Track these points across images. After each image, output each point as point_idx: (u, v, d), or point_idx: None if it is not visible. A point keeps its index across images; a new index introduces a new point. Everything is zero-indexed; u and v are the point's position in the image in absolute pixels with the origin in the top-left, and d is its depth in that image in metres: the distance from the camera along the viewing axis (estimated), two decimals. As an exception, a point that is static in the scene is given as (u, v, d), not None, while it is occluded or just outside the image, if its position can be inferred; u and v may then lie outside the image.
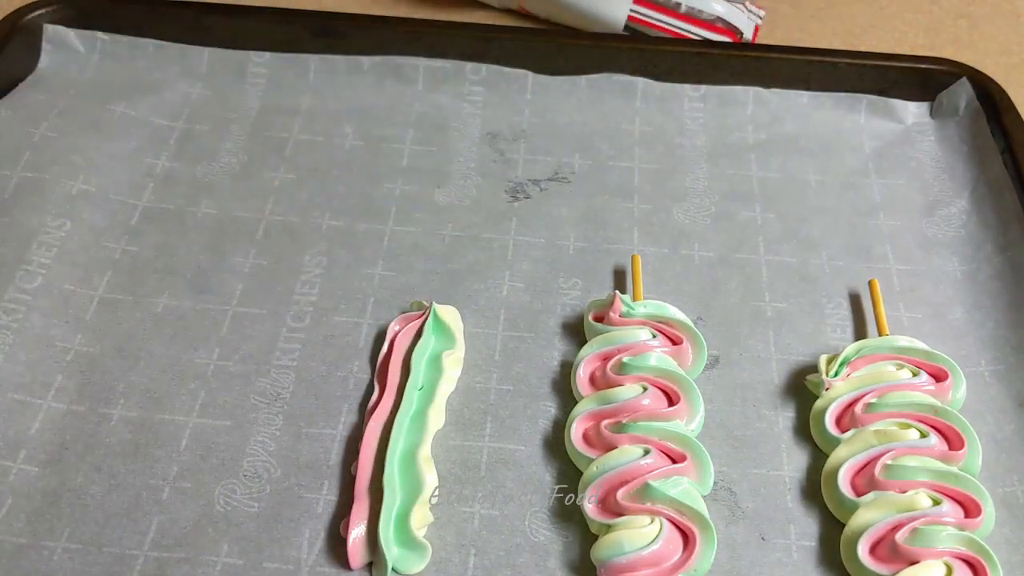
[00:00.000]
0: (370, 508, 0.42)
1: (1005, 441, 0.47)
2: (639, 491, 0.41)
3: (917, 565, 0.40)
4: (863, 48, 0.69)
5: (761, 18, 0.69)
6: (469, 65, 0.64)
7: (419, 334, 0.48)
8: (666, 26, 0.68)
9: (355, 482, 0.43)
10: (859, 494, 0.43)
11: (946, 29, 0.73)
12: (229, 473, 0.44)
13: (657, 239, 0.56)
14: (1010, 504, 0.44)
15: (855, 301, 0.53)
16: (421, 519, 0.42)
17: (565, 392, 0.48)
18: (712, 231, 0.56)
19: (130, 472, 0.44)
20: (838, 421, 0.46)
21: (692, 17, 0.68)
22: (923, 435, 0.44)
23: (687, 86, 0.64)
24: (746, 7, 0.68)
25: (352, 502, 0.42)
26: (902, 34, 0.72)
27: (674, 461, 0.43)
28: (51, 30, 0.63)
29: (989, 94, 0.61)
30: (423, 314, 0.49)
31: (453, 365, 0.48)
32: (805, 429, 0.47)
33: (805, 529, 0.43)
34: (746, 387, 0.49)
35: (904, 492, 0.42)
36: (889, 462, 0.43)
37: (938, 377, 0.47)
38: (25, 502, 0.43)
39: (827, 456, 0.45)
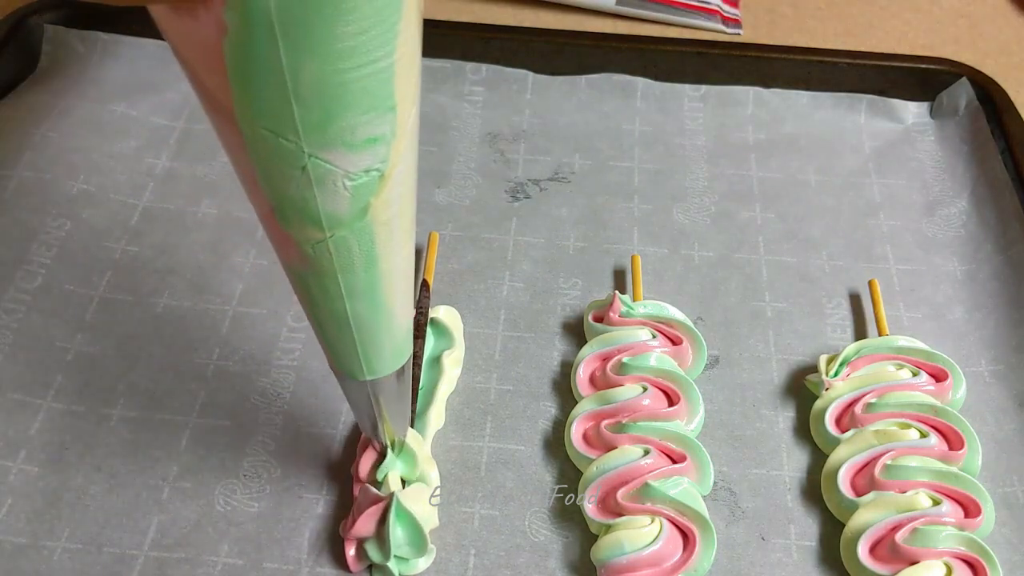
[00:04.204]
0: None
1: (1005, 441, 0.47)
2: (639, 491, 0.41)
3: (917, 565, 0.40)
4: (863, 48, 0.69)
5: None
6: (469, 65, 0.64)
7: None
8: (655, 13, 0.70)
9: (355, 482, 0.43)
10: (859, 494, 0.43)
11: (946, 29, 0.73)
12: (229, 473, 0.44)
13: (657, 239, 0.56)
14: (1010, 504, 0.44)
15: (855, 301, 0.53)
16: (428, 521, 0.42)
17: (565, 392, 0.48)
18: (712, 231, 0.56)
19: (130, 472, 0.44)
20: (838, 421, 0.46)
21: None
22: (923, 435, 0.44)
23: (687, 86, 0.64)
24: None
25: (352, 502, 0.42)
26: (902, 34, 0.72)
27: (674, 461, 0.43)
28: (51, 30, 0.63)
29: (989, 94, 0.62)
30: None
31: (453, 365, 0.48)
32: (805, 429, 0.47)
33: (805, 529, 0.44)
34: (746, 387, 0.49)
35: (904, 492, 0.42)
36: (889, 462, 0.43)
37: (938, 377, 0.47)
38: (25, 502, 0.43)
39: (827, 456, 0.45)
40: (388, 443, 0.41)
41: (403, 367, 0.37)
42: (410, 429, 0.44)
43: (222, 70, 0.25)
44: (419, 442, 0.44)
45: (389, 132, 0.28)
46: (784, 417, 0.48)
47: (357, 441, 0.45)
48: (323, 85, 0.25)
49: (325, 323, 0.34)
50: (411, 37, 0.26)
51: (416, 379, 0.46)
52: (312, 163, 0.27)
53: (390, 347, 0.36)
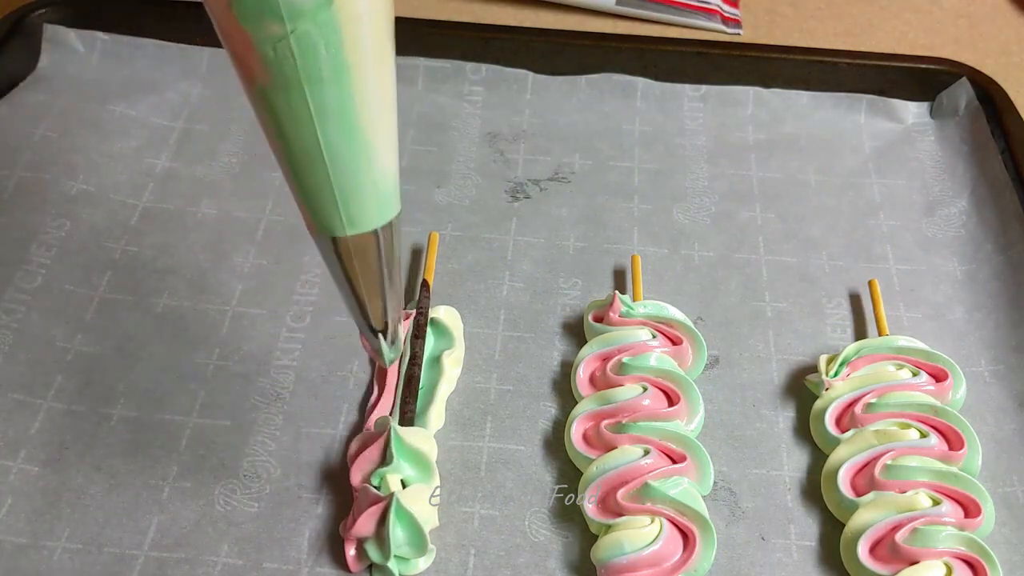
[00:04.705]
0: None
1: (1005, 441, 0.47)
2: (639, 491, 0.41)
3: (917, 565, 0.40)
4: (863, 48, 0.69)
5: None
6: (469, 65, 0.64)
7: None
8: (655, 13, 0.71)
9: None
10: (859, 494, 0.43)
11: (946, 29, 0.73)
12: (229, 473, 0.44)
13: (657, 239, 0.56)
14: (1010, 504, 0.44)
15: (855, 301, 0.53)
16: (428, 521, 0.42)
17: (565, 392, 0.48)
18: (712, 231, 0.56)
19: (130, 472, 0.44)
20: (838, 421, 0.46)
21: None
22: (923, 435, 0.44)
23: (687, 86, 0.64)
24: None
25: (352, 502, 0.42)
26: (902, 34, 0.72)
27: (674, 461, 0.43)
28: (51, 30, 0.63)
29: (989, 94, 0.62)
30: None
31: (453, 365, 0.48)
32: (805, 429, 0.47)
33: (805, 529, 0.43)
34: (746, 387, 0.49)
35: (904, 492, 0.42)
36: (889, 462, 0.43)
37: (938, 377, 0.47)
38: (25, 502, 0.43)
39: (827, 456, 0.45)
40: (379, 327, 0.37)
41: (390, 224, 0.34)
42: (421, 429, 0.44)
43: None
44: (430, 441, 0.44)
45: None
46: (784, 417, 0.48)
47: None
48: None
49: (297, 160, 0.31)
50: None
51: (416, 379, 0.46)
52: None
53: (372, 193, 0.32)
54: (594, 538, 0.42)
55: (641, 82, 0.64)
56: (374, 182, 0.32)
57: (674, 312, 0.48)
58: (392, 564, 0.40)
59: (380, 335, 0.37)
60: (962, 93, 0.62)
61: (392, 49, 0.30)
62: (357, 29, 0.28)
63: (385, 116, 0.31)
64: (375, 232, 0.33)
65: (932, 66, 0.64)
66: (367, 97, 0.30)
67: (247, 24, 0.27)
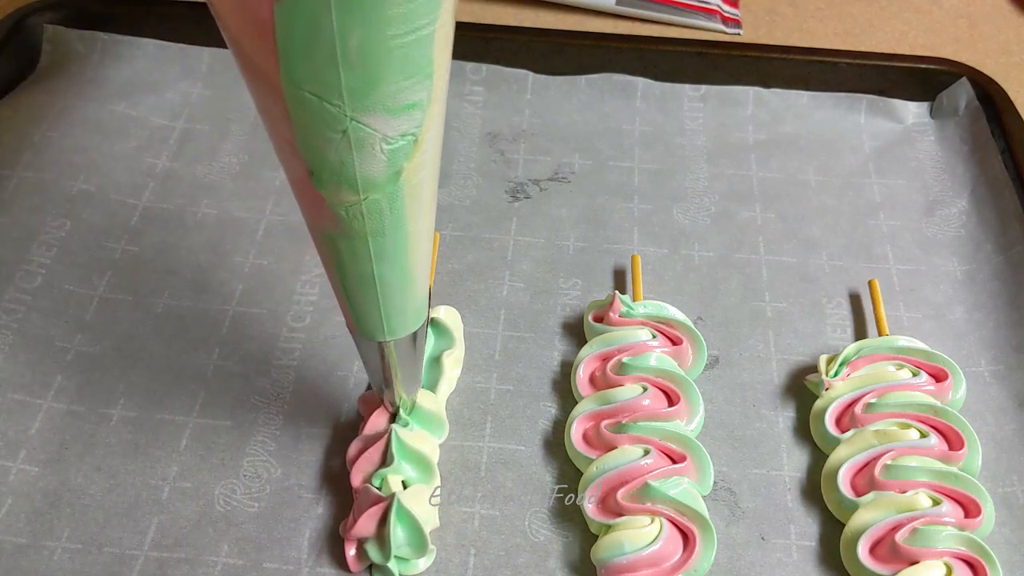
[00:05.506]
0: (370, 508, 0.42)
1: (1005, 441, 0.47)
2: (639, 491, 0.41)
3: (917, 565, 0.40)
4: (863, 48, 0.70)
5: None
6: (469, 65, 0.64)
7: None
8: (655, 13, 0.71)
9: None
10: (859, 494, 0.43)
11: (946, 29, 0.73)
12: (229, 473, 0.44)
13: (657, 239, 0.56)
14: (1010, 504, 0.44)
15: (855, 301, 0.53)
16: (428, 522, 0.42)
17: (565, 392, 0.48)
18: (712, 231, 0.56)
19: (130, 472, 0.44)
20: (838, 421, 0.46)
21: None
22: (923, 435, 0.44)
23: (687, 86, 0.64)
24: None
25: (352, 502, 0.42)
26: (902, 34, 0.72)
27: (674, 461, 0.43)
28: (51, 30, 0.63)
29: (989, 94, 0.62)
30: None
31: (453, 365, 0.48)
32: (805, 429, 0.47)
33: (805, 529, 0.44)
34: (746, 387, 0.49)
35: (904, 492, 0.42)
36: (889, 462, 0.43)
37: (938, 377, 0.47)
38: (25, 502, 0.43)
39: (827, 456, 0.45)
40: (400, 403, 0.43)
41: (419, 329, 0.39)
42: (424, 432, 0.44)
43: (270, 35, 0.26)
44: (430, 442, 0.44)
45: (426, 98, 0.29)
46: (784, 417, 0.48)
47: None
48: (370, 51, 0.26)
49: (352, 286, 0.35)
50: (451, 5, 0.28)
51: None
52: (353, 127, 0.28)
53: (412, 309, 0.37)
54: (594, 538, 0.42)
55: (641, 82, 0.64)
56: (413, 301, 0.37)
57: (674, 312, 0.48)
58: (392, 564, 0.40)
59: (400, 408, 0.43)
60: (962, 93, 0.62)
61: (436, 190, 0.35)
62: (416, 193, 0.32)
63: (427, 248, 0.36)
64: (407, 336, 0.39)
65: (932, 66, 0.64)
66: (418, 241, 0.34)
67: (324, 191, 0.31)
